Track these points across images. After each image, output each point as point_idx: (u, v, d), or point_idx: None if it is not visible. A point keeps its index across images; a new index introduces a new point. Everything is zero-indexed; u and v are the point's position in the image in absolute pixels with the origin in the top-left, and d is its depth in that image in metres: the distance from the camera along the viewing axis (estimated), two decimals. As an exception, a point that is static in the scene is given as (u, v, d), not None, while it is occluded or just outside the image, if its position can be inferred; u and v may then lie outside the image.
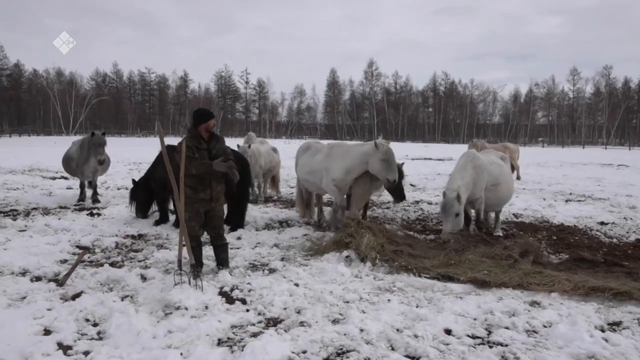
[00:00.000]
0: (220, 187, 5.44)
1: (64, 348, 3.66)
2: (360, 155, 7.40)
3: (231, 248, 6.80)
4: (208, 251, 6.56)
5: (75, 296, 4.68)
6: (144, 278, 5.32)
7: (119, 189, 12.77)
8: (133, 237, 7.42)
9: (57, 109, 78.39)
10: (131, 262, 6.08)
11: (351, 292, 4.92)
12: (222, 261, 5.60)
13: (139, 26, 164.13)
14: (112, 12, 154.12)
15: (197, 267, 5.20)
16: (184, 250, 5.07)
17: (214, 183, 5.30)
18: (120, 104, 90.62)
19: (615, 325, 4.25)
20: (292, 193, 12.68)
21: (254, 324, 4.15)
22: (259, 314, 4.38)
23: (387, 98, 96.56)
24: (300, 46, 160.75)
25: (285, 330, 4.00)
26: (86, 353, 3.59)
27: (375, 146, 7.21)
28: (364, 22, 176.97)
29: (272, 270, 5.67)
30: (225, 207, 8.42)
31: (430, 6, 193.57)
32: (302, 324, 4.15)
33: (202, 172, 5.14)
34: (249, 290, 4.94)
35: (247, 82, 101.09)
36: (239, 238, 7.41)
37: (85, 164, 10.13)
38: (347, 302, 4.68)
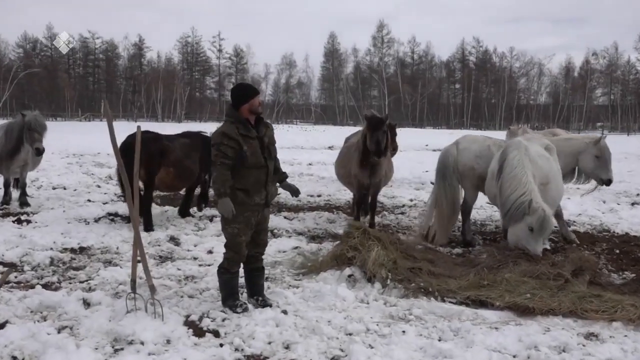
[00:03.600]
0: (274, 189, 5.47)
1: (-16, 394, 3.67)
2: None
3: (200, 265, 6.81)
4: (170, 269, 6.58)
5: (-2, 327, 4.68)
6: (87, 304, 5.32)
7: (54, 188, 12.76)
8: (73, 250, 7.42)
9: (-26, 85, 78.08)
10: (70, 283, 6.08)
11: (355, 322, 4.94)
12: (260, 290, 5.46)
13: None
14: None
15: (238, 308, 5.12)
16: (140, 267, 5.07)
17: (270, 183, 5.29)
18: (55, 78, 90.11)
19: (693, 364, 4.29)
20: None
21: (229, 363, 4.16)
22: (236, 349, 4.39)
23: (401, 71, 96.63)
24: (289, 7, 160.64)
25: (270, 371, 4.02)
26: (12, 401, 3.60)
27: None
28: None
29: (253, 294, 5.68)
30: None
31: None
32: (291, 362, 4.16)
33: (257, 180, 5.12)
34: (223, 319, 4.95)
35: (220, 51, 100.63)
36: (209, 252, 7.41)
37: (10, 156, 10.07)
38: (350, 334, 4.70)
